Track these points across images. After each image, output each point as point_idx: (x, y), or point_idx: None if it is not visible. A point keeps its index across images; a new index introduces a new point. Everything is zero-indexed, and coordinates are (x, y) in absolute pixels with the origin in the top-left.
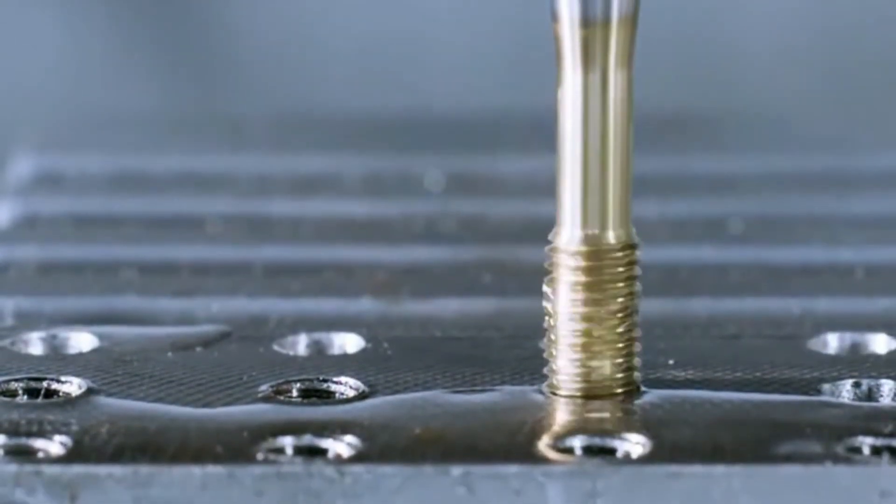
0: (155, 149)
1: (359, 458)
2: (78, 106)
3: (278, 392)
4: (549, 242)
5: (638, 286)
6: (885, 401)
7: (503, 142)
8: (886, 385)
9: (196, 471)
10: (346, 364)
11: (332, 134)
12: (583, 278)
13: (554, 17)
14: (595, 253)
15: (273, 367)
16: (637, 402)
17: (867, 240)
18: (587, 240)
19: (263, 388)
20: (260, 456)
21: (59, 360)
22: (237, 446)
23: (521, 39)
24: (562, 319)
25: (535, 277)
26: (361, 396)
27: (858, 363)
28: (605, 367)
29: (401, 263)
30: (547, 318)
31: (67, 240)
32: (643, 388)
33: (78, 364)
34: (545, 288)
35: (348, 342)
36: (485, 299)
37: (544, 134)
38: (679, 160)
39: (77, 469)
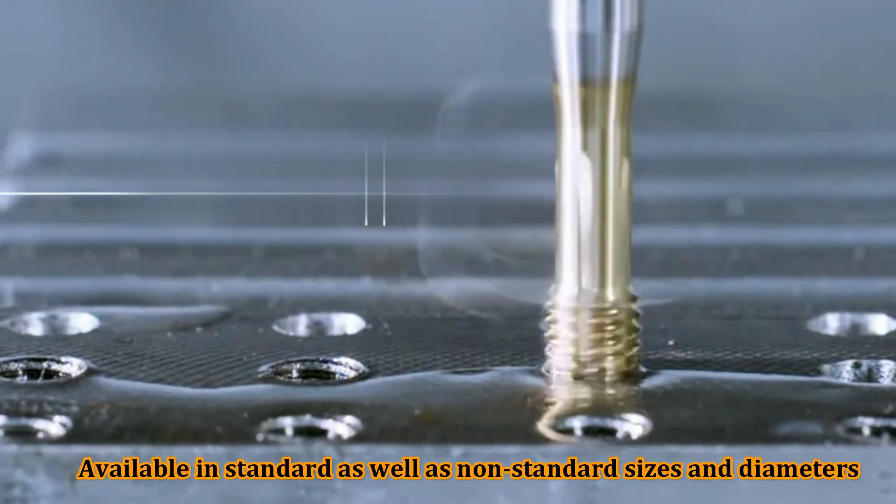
0: (155, 129)
1: (359, 438)
2: (78, 86)
3: (278, 373)
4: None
5: (638, 344)
6: (885, 381)
7: (504, 122)
8: (886, 366)
9: (196, 451)
10: (345, 344)
11: (333, 113)
12: (582, 336)
13: (554, 77)
14: (595, 311)
15: (273, 348)
16: (637, 382)
17: (867, 220)
18: (587, 297)
19: (263, 368)
20: (260, 437)
21: (59, 340)
22: (237, 427)
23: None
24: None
25: (535, 258)
26: (361, 377)
27: (858, 344)
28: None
29: (401, 244)
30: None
31: (67, 220)
32: (643, 369)
33: (78, 345)
34: (546, 347)
35: (348, 323)
36: (485, 280)
37: (545, 114)
38: (679, 141)
39: (77, 450)
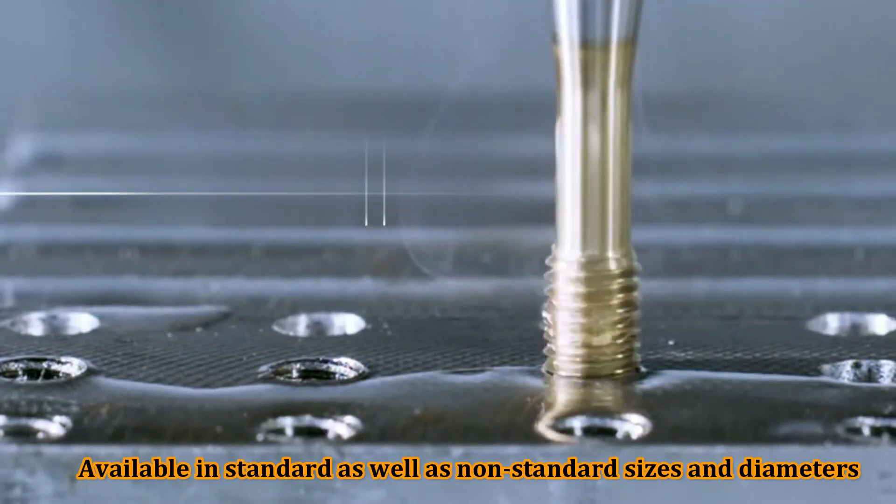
0: (154, 128)
1: (359, 438)
2: (78, 86)
3: (278, 373)
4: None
5: (637, 303)
6: (885, 381)
7: (504, 122)
8: (886, 366)
9: (196, 451)
10: (345, 345)
11: (333, 113)
12: (583, 301)
13: (554, 39)
14: (594, 276)
15: (273, 348)
16: (637, 382)
17: (867, 220)
18: (586, 262)
19: (263, 368)
20: (260, 437)
21: (59, 340)
22: (237, 427)
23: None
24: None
25: (535, 258)
26: (361, 377)
27: (858, 344)
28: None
29: (401, 244)
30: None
31: (67, 220)
32: (643, 369)
33: (78, 345)
34: (544, 313)
35: (348, 323)
36: (485, 280)
37: (545, 114)
38: (679, 141)
39: (77, 450)
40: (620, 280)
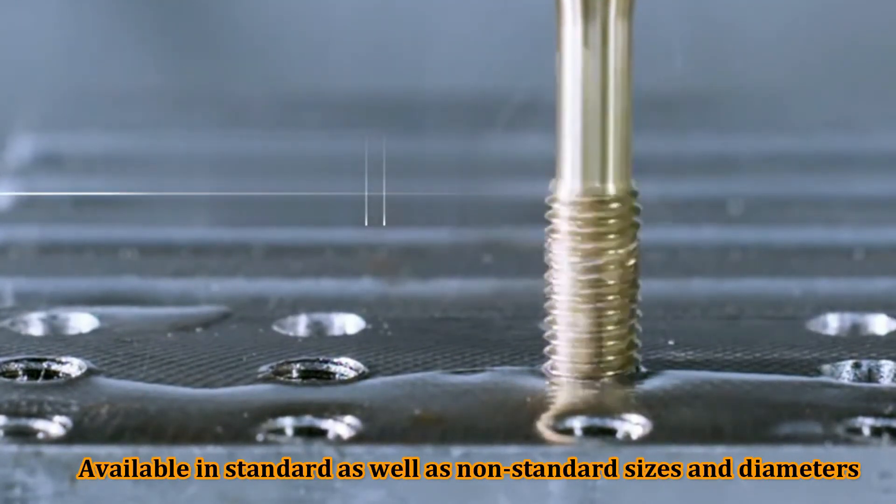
0: (154, 128)
1: (359, 438)
2: (77, 85)
3: (278, 373)
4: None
5: (638, 239)
6: (885, 382)
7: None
8: (886, 366)
9: (196, 451)
10: (345, 345)
11: (333, 113)
12: (584, 230)
13: None
14: (595, 205)
15: (273, 348)
16: (637, 382)
17: (867, 220)
18: (587, 192)
19: (263, 368)
20: (260, 437)
21: (59, 340)
22: (237, 427)
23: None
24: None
25: (535, 258)
26: (361, 377)
27: (858, 344)
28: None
29: (401, 244)
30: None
31: (67, 220)
32: (643, 369)
33: (78, 345)
34: (547, 242)
35: (348, 323)
36: (485, 280)
37: (545, 114)
38: (679, 141)
39: (77, 450)
40: (620, 206)
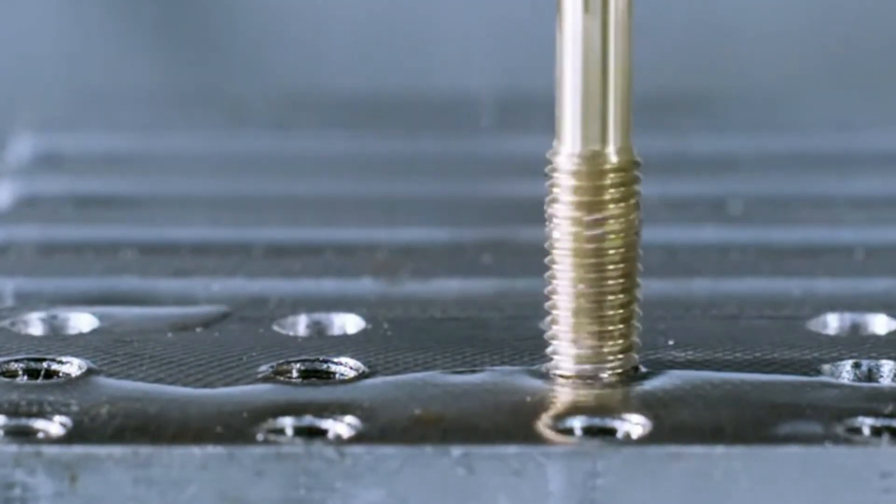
0: (155, 128)
1: (359, 438)
2: (77, 85)
3: (278, 373)
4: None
5: (639, 206)
6: (885, 381)
7: (503, 121)
8: (886, 366)
9: (196, 451)
10: (345, 344)
11: (333, 113)
12: (583, 197)
13: None
14: (595, 171)
15: (273, 348)
16: (637, 382)
17: (867, 220)
18: (587, 157)
19: (263, 368)
20: (260, 436)
21: (59, 340)
22: (237, 427)
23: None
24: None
25: (535, 257)
26: (361, 377)
27: (858, 344)
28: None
29: (401, 244)
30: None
31: (67, 220)
32: (643, 369)
33: (78, 344)
34: (546, 209)
35: (348, 322)
36: (485, 280)
37: (545, 113)
38: (679, 141)
39: (77, 450)
40: (621, 172)
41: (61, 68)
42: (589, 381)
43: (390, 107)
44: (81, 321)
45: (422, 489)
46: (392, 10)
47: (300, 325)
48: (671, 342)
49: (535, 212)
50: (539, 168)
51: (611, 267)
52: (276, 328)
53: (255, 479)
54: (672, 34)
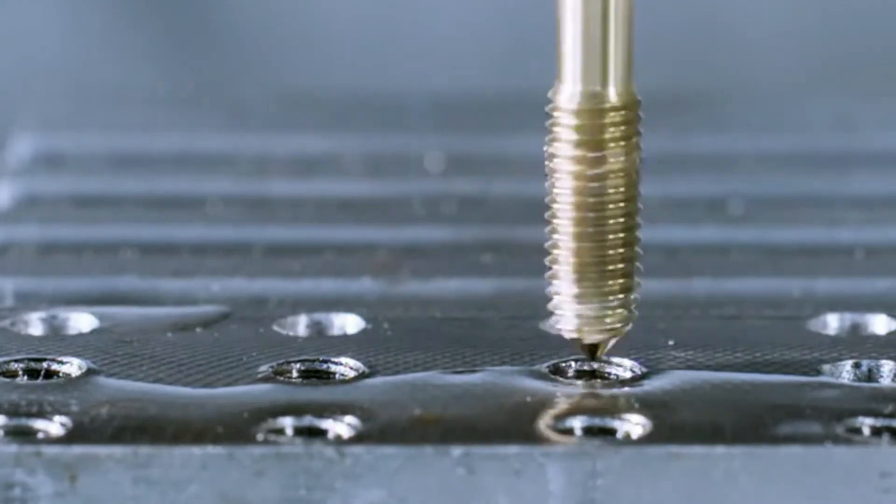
0: (155, 128)
1: (359, 438)
2: (78, 85)
3: (278, 373)
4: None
5: (640, 148)
6: (885, 381)
7: (503, 122)
8: (886, 366)
9: (196, 451)
10: (346, 345)
11: (333, 113)
12: (584, 137)
13: None
14: (596, 111)
15: (273, 348)
16: (637, 382)
17: (867, 220)
18: (588, 96)
19: (263, 368)
20: (260, 436)
21: (59, 340)
22: (237, 427)
23: (520, 19)
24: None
25: (535, 257)
26: (361, 377)
27: (858, 344)
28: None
29: (401, 244)
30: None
31: (67, 220)
32: (643, 369)
33: (78, 345)
34: (545, 148)
35: (348, 323)
36: (485, 280)
37: (545, 113)
38: (679, 140)
39: (77, 450)
40: (622, 111)
41: (61, 68)
42: (590, 381)
43: (390, 106)
44: (81, 321)
45: (422, 489)
46: (392, 10)
47: (300, 325)
48: (671, 342)
49: (536, 212)
50: (539, 168)
51: (611, 207)
52: (275, 328)
53: (255, 479)
54: (672, 34)
